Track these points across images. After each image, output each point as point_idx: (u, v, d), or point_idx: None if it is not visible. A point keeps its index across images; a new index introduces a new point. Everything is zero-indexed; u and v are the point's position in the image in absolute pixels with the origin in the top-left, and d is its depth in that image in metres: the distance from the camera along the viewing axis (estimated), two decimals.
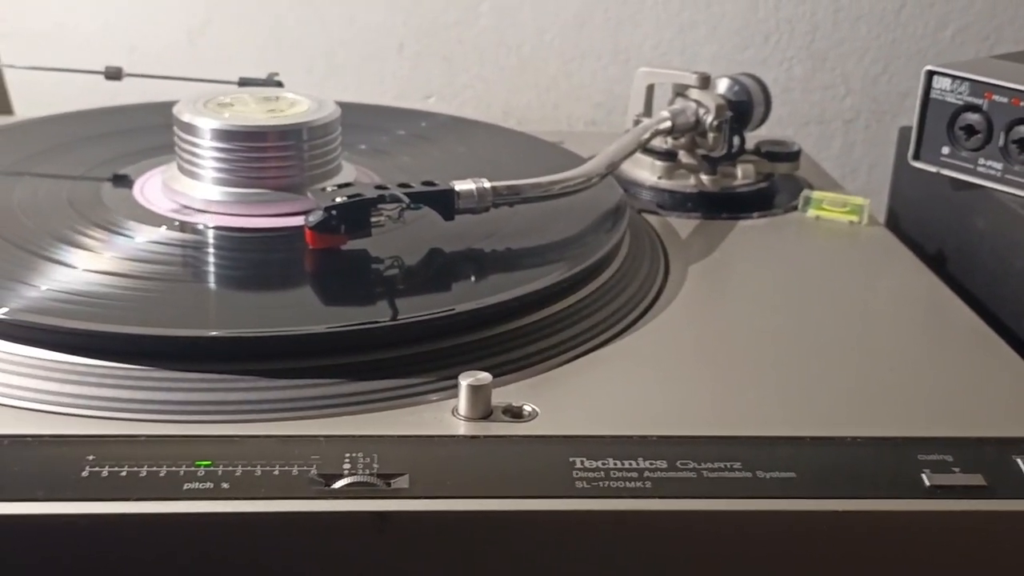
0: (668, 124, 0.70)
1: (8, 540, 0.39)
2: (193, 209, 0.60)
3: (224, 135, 0.59)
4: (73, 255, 0.54)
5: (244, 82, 0.74)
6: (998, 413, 0.48)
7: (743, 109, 0.73)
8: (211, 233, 0.58)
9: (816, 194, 0.70)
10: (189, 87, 0.69)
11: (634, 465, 0.43)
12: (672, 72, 0.73)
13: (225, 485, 0.41)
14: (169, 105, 0.62)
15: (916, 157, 0.68)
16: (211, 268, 0.56)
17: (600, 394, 0.48)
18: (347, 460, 0.42)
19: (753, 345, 0.54)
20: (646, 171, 0.72)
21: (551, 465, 0.43)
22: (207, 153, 0.59)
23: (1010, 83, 0.63)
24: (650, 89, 0.74)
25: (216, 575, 0.40)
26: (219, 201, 0.59)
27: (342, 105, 0.63)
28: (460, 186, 0.56)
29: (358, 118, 0.71)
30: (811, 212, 0.70)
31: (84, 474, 0.41)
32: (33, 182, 0.64)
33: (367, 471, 0.42)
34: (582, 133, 0.95)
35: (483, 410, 0.46)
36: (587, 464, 0.43)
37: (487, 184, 0.57)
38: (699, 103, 0.71)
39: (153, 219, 0.59)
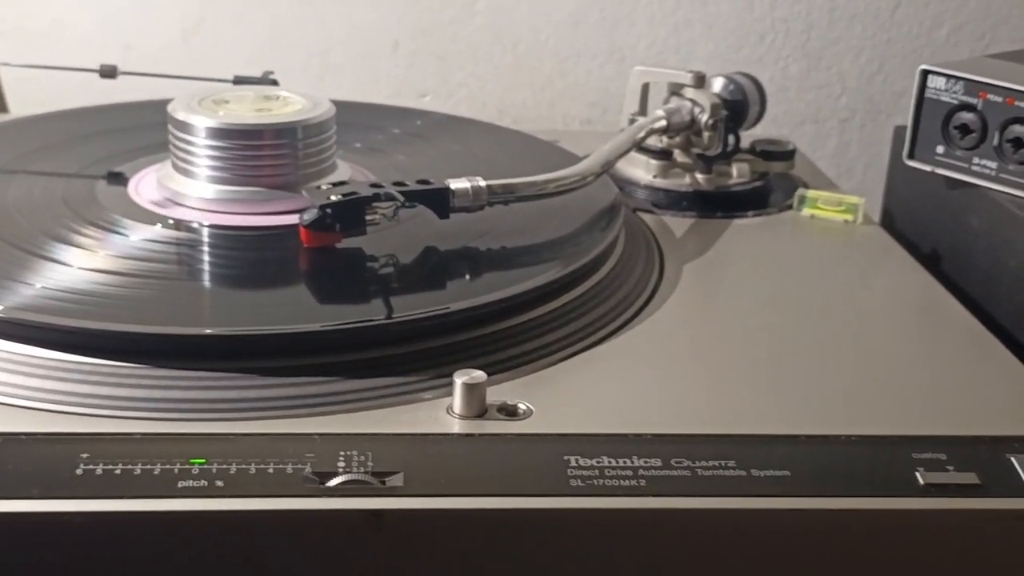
0: (663, 123, 0.70)
1: (2, 538, 0.39)
2: (188, 207, 0.60)
3: (219, 133, 0.59)
4: (68, 253, 0.54)
5: (239, 80, 0.74)
6: (992, 411, 0.48)
7: (738, 108, 0.73)
8: (206, 231, 0.58)
9: (811, 193, 0.70)
10: (184, 85, 0.69)
11: (629, 463, 0.43)
12: (667, 71, 0.73)
13: (219, 483, 0.41)
14: (164, 103, 0.61)
15: (911, 156, 0.68)
16: (206, 266, 0.56)
17: (595, 392, 0.49)
18: (341, 458, 0.42)
19: (748, 344, 0.54)
20: (641, 170, 0.72)
21: (546, 463, 0.43)
22: (202, 151, 0.59)
23: (1005, 82, 0.63)
24: (645, 88, 0.74)
25: (210, 573, 0.40)
26: (214, 199, 0.59)
27: (337, 103, 0.63)
28: (455, 184, 0.56)
29: (353, 116, 0.71)
30: (806, 211, 0.70)
31: (78, 472, 0.41)
32: (28, 180, 0.64)
33: (361, 469, 0.42)
34: (577, 132, 0.95)
35: (478, 408, 0.46)
36: (582, 462, 0.43)
37: (482, 183, 0.57)
38: (694, 102, 0.71)
39: (148, 217, 0.59)
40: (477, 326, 0.51)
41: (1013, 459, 0.44)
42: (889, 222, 0.77)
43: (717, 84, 0.73)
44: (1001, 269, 0.63)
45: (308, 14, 0.95)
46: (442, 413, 0.46)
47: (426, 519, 0.41)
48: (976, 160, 0.65)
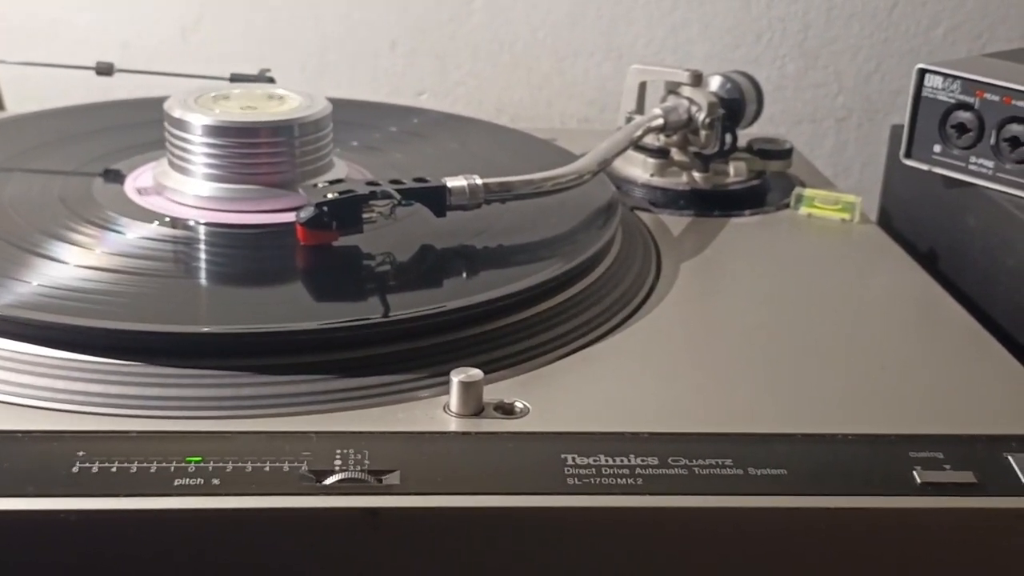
0: (660, 121, 0.70)
1: None
2: (184, 205, 0.59)
3: (215, 131, 0.59)
4: (64, 251, 0.54)
5: (236, 78, 0.74)
6: (989, 411, 0.48)
7: (735, 107, 0.73)
8: (202, 229, 0.58)
9: (808, 192, 0.70)
10: (181, 83, 0.69)
11: (625, 462, 0.43)
12: (664, 69, 0.73)
13: (216, 481, 0.41)
14: (161, 101, 0.61)
15: (908, 155, 0.68)
16: (202, 264, 0.56)
17: (592, 391, 0.48)
18: (338, 456, 0.42)
19: (745, 342, 0.54)
20: (638, 168, 0.72)
21: (542, 462, 0.43)
22: (198, 149, 0.59)
23: (1002, 81, 0.63)
24: (642, 87, 0.74)
25: (207, 572, 0.40)
26: (210, 197, 0.59)
27: (334, 101, 0.63)
28: (452, 183, 0.56)
29: (350, 115, 0.71)
30: (803, 210, 0.70)
31: (74, 470, 0.41)
32: (25, 178, 0.64)
33: (358, 467, 0.42)
34: (574, 130, 0.95)
35: (474, 407, 0.46)
36: (578, 461, 0.43)
37: (479, 181, 0.57)
38: (691, 100, 0.71)
39: (144, 215, 0.59)
40: (474, 324, 0.51)
41: (1010, 458, 0.44)
42: (886, 221, 0.77)
43: (714, 83, 0.73)
44: (998, 268, 0.63)
45: (306, 12, 0.95)
46: (439, 411, 0.46)
47: (423, 517, 0.40)
48: (973, 159, 0.65)
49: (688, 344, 0.54)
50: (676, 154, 0.72)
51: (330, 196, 0.54)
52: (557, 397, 0.48)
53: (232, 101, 0.62)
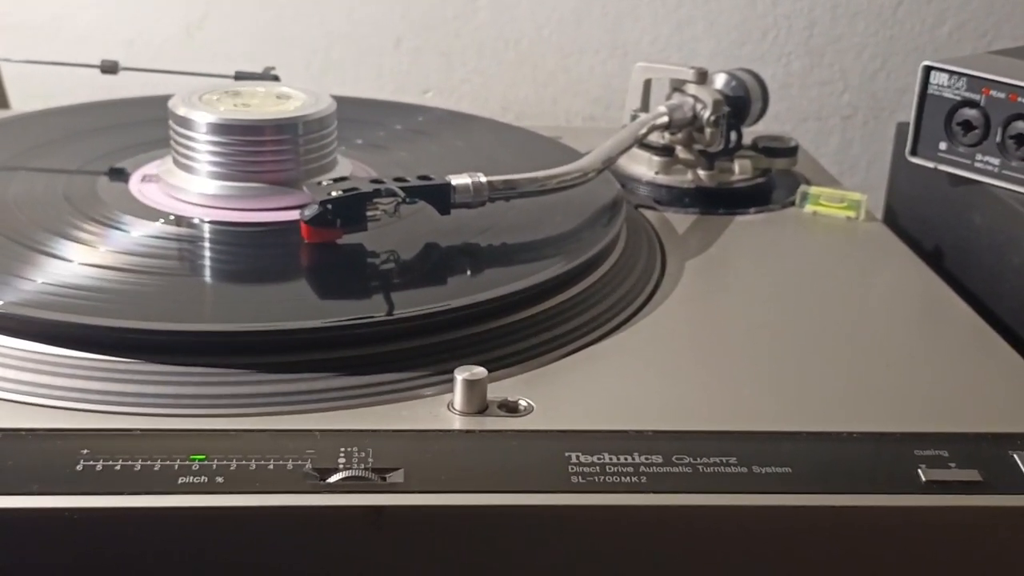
0: (665, 119, 0.70)
1: (2, 534, 0.39)
2: (189, 203, 0.59)
3: (219, 129, 0.59)
4: (69, 249, 0.54)
5: (240, 76, 0.74)
6: (994, 409, 0.48)
7: (740, 104, 0.72)
8: (206, 227, 0.58)
9: (813, 189, 0.70)
10: (186, 81, 0.69)
11: (630, 460, 0.43)
12: (669, 67, 0.73)
13: (219, 479, 0.41)
14: (165, 99, 0.61)
15: (913, 153, 0.68)
16: (206, 262, 0.56)
17: (596, 389, 0.48)
18: (342, 454, 0.42)
19: (750, 340, 0.54)
20: (643, 166, 0.72)
21: (546, 460, 0.43)
22: (203, 147, 0.59)
23: (1008, 79, 0.63)
24: (647, 84, 0.74)
25: (210, 570, 0.40)
26: (214, 195, 0.59)
27: (339, 99, 0.63)
28: (456, 180, 0.56)
29: (355, 112, 0.71)
30: (808, 208, 0.70)
31: (78, 468, 0.41)
32: (29, 176, 0.64)
33: (362, 466, 0.42)
34: (579, 128, 0.95)
35: (478, 405, 0.46)
36: (582, 459, 0.43)
37: (483, 179, 0.57)
38: (696, 98, 0.71)
39: (149, 213, 0.59)
40: (478, 322, 0.51)
41: (1016, 456, 0.44)
42: (892, 219, 0.77)
43: (719, 80, 0.73)
44: (1004, 266, 0.63)
45: (310, 9, 0.95)
46: (443, 409, 0.46)
47: (426, 516, 0.40)
48: (979, 157, 0.65)
49: (693, 342, 0.54)
50: (681, 152, 0.72)
51: (334, 194, 0.54)
52: (561, 395, 0.47)
53: (237, 99, 0.62)
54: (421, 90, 0.97)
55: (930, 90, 0.66)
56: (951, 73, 0.65)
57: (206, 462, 0.41)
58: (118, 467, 0.41)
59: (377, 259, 0.55)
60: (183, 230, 0.58)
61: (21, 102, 0.90)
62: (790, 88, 0.99)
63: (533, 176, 0.59)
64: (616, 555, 0.41)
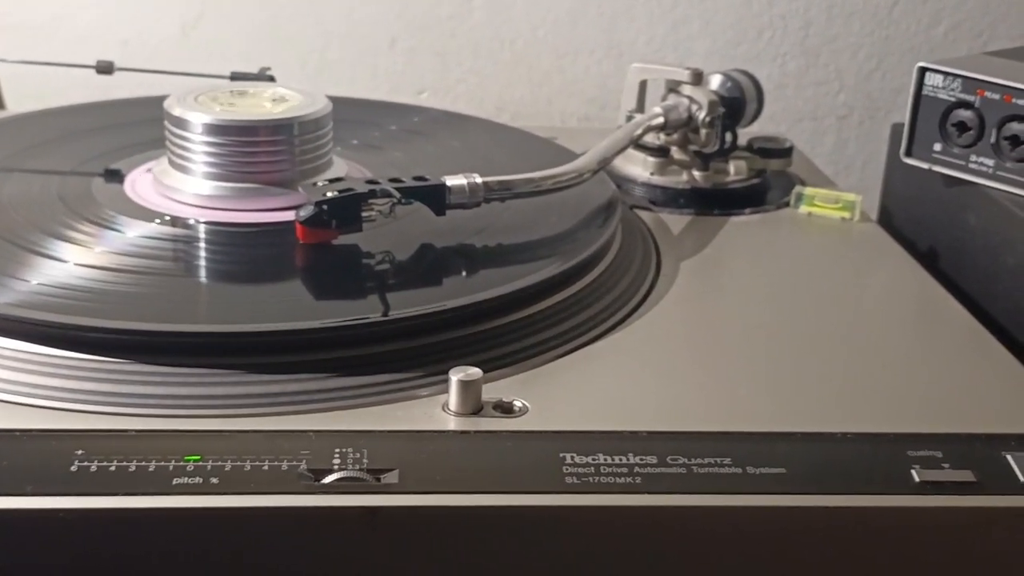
0: (660, 120, 0.70)
1: None
2: (184, 203, 0.59)
3: (215, 129, 0.59)
4: (64, 249, 0.54)
5: (236, 76, 0.74)
6: (988, 410, 0.48)
7: (736, 105, 0.73)
8: (202, 228, 0.58)
9: (808, 190, 0.70)
10: (181, 81, 0.69)
11: (624, 461, 0.43)
12: (665, 68, 0.73)
13: (214, 480, 0.41)
14: (161, 99, 0.61)
15: (908, 154, 0.68)
16: (202, 263, 0.56)
17: (591, 390, 0.48)
18: (337, 455, 0.42)
19: (744, 341, 0.54)
20: (638, 167, 0.72)
21: (541, 460, 0.43)
22: (198, 148, 0.59)
23: (1002, 80, 0.63)
24: (643, 85, 0.74)
25: (205, 571, 0.40)
26: (210, 196, 0.59)
27: (334, 100, 0.63)
28: (451, 181, 0.56)
29: (350, 113, 0.71)
30: (803, 208, 0.70)
31: (73, 469, 0.41)
32: (25, 176, 0.64)
33: (357, 466, 0.42)
34: (575, 129, 0.95)
35: (473, 405, 0.46)
36: (577, 460, 0.43)
37: (478, 179, 0.57)
38: (692, 99, 0.71)
39: (144, 214, 0.59)
40: (473, 323, 0.51)
41: (1009, 457, 0.44)
42: (887, 219, 0.77)
43: (715, 81, 0.73)
44: (998, 267, 0.63)
45: (306, 9, 0.95)
46: (438, 410, 0.46)
47: (421, 516, 0.40)
48: (973, 158, 0.65)
49: (687, 343, 0.54)
50: (676, 153, 0.72)
51: (330, 195, 0.54)
52: (556, 396, 0.48)
53: (232, 99, 0.62)
54: (416, 90, 0.98)
55: (925, 91, 0.66)
56: (946, 74, 0.65)
57: (201, 463, 0.41)
58: (113, 468, 0.41)
59: (372, 260, 0.55)
60: (178, 231, 0.58)
61: (16, 102, 0.90)
62: (785, 88, 1.00)
63: (528, 177, 0.59)
64: (611, 556, 0.41)
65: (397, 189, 0.55)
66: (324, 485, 0.41)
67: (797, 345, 0.53)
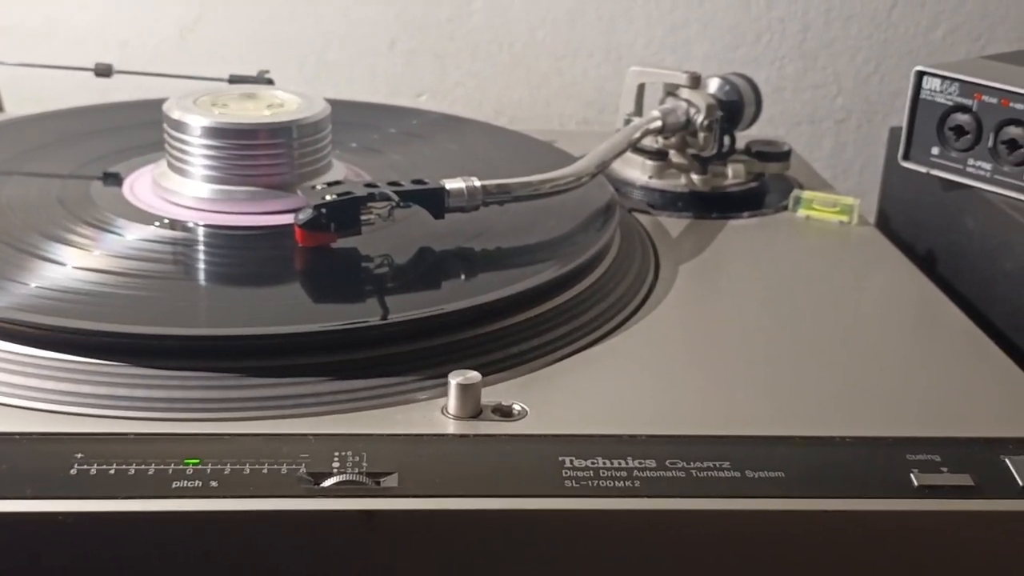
0: (659, 123, 0.70)
1: None
2: (183, 207, 0.59)
3: (214, 133, 0.59)
4: (63, 252, 0.54)
5: (234, 79, 0.74)
6: (987, 413, 0.48)
7: (734, 109, 0.73)
8: (201, 231, 0.58)
9: (806, 194, 0.70)
10: (180, 84, 0.69)
11: (623, 464, 0.43)
12: (663, 71, 0.73)
13: (214, 483, 0.41)
14: (160, 102, 0.61)
15: (906, 157, 0.68)
16: (201, 266, 0.56)
17: (590, 393, 0.49)
18: (336, 459, 0.42)
19: (743, 345, 0.54)
20: (637, 170, 0.72)
21: (540, 464, 0.43)
22: (197, 151, 0.59)
23: (1000, 84, 0.63)
24: (641, 88, 0.74)
25: (204, 574, 0.40)
26: (209, 199, 0.59)
27: (333, 103, 0.63)
28: (450, 185, 0.56)
29: (349, 116, 0.71)
30: (801, 212, 0.70)
31: (72, 472, 0.41)
32: (23, 180, 0.63)
33: (356, 470, 0.42)
34: (573, 132, 0.95)
35: (472, 409, 0.46)
36: (576, 463, 0.43)
37: (477, 183, 0.57)
38: (690, 103, 0.71)
39: (143, 217, 0.59)
40: (472, 326, 0.51)
41: (1007, 461, 0.44)
42: (884, 223, 0.77)
43: (713, 85, 0.73)
44: (996, 271, 0.63)
45: (304, 12, 0.95)
46: (437, 414, 0.46)
47: (420, 520, 0.41)
48: (971, 162, 0.65)
49: (686, 346, 0.54)
50: (674, 156, 0.72)
51: (328, 198, 0.54)
52: (555, 399, 0.48)
53: (231, 102, 0.62)
54: (415, 93, 0.98)
55: (922, 95, 0.66)
56: (943, 78, 0.65)
57: (200, 466, 0.41)
58: (112, 471, 0.41)
59: (371, 263, 0.55)
60: (177, 234, 0.58)
61: (15, 105, 0.90)
62: (783, 92, 1.00)
63: (527, 180, 0.59)
64: (609, 559, 0.41)
65: (396, 192, 0.55)
66: (323, 488, 0.41)
67: (796, 349, 0.53)
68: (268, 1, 0.94)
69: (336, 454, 0.43)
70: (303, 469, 0.42)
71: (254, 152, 0.59)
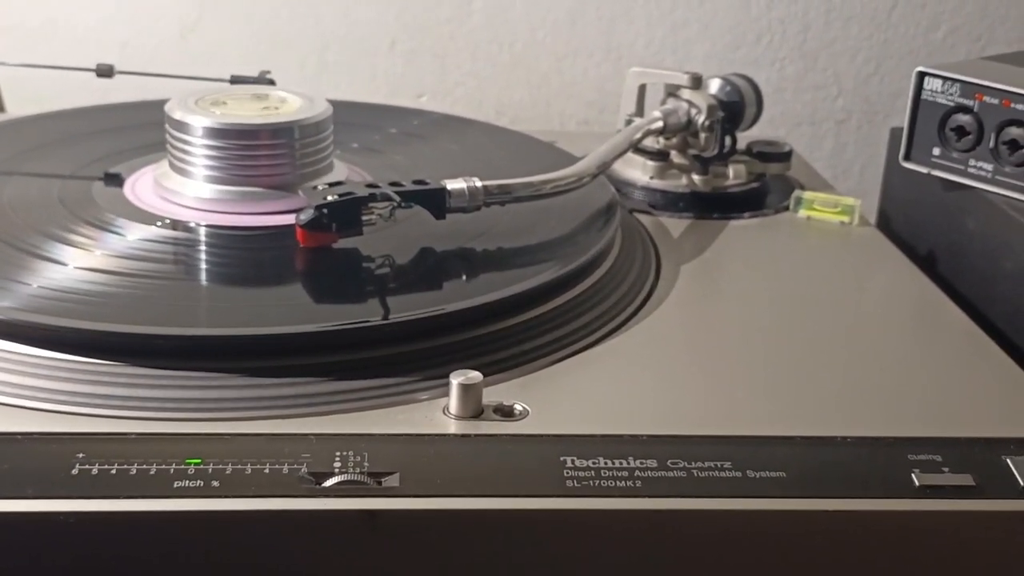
0: (660, 124, 0.70)
1: None
2: (184, 207, 0.59)
3: (216, 133, 0.59)
4: (64, 253, 0.54)
5: (236, 80, 0.74)
6: (988, 413, 0.48)
7: (735, 109, 0.73)
8: (202, 231, 0.58)
9: (807, 194, 0.70)
10: (181, 84, 0.69)
11: (625, 464, 0.43)
12: (664, 72, 0.73)
13: (215, 483, 0.41)
14: (161, 103, 0.61)
15: (907, 158, 0.68)
16: (202, 266, 0.56)
17: (591, 393, 0.49)
18: (338, 458, 0.42)
19: (744, 345, 0.54)
20: (638, 171, 0.72)
21: (542, 464, 0.43)
22: (199, 151, 0.59)
23: (1001, 84, 0.63)
24: (642, 89, 0.74)
25: (206, 573, 0.40)
26: (210, 199, 0.59)
27: (334, 103, 0.63)
28: (451, 185, 0.56)
29: (350, 116, 0.71)
30: (802, 212, 0.70)
31: (74, 472, 0.41)
32: (24, 180, 0.64)
33: (357, 470, 0.42)
34: (574, 132, 0.95)
35: (474, 409, 0.46)
36: (578, 463, 0.43)
37: (478, 183, 0.57)
38: (691, 103, 0.71)
39: (144, 217, 0.59)
40: (473, 327, 0.51)
41: (1008, 461, 0.44)
42: (885, 224, 0.77)
43: (714, 85, 0.73)
44: (997, 271, 0.63)
45: (305, 12, 0.95)
46: (438, 414, 0.46)
47: (422, 520, 0.41)
48: (972, 162, 0.65)
49: (687, 346, 0.54)
50: (676, 157, 0.72)
51: (330, 198, 0.54)
52: (556, 399, 0.48)
53: (232, 103, 0.62)
54: (415, 93, 0.98)
55: (923, 96, 0.66)
56: (944, 79, 0.65)
57: (202, 466, 0.41)
58: (114, 471, 0.41)
59: (373, 263, 0.55)
60: (179, 234, 0.58)
61: (16, 106, 0.90)
62: (784, 92, 1.00)
63: (528, 181, 0.59)
64: (611, 559, 0.42)
65: (397, 193, 0.55)
66: (325, 488, 0.41)
67: (797, 349, 0.53)
68: (269, 2, 0.94)
69: (337, 454, 0.43)
70: (304, 469, 0.42)
71: (256, 152, 0.59)
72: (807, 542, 0.42)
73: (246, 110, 0.62)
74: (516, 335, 0.51)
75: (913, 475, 0.43)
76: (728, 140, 0.71)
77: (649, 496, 0.41)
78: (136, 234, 0.57)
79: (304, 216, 0.54)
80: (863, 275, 0.63)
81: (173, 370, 0.46)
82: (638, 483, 0.42)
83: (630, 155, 0.70)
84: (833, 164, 1.02)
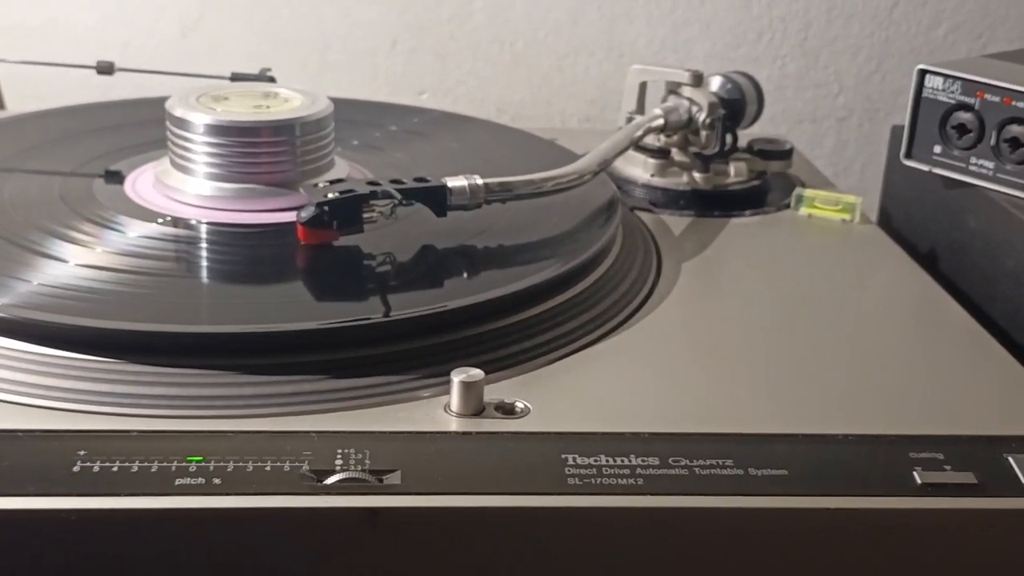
0: (661, 122, 0.70)
1: None
2: (185, 204, 0.59)
3: (217, 130, 0.59)
4: (65, 250, 0.54)
5: (237, 77, 0.74)
6: (989, 411, 0.48)
7: (736, 107, 0.73)
8: (203, 228, 0.58)
9: (808, 192, 0.70)
10: (182, 82, 0.69)
11: (626, 462, 0.43)
12: (665, 70, 0.73)
13: (216, 481, 0.41)
14: (161, 100, 0.61)
15: (908, 156, 0.68)
16: (203, 263, 0.56)
17: (592, 391, 0.49)
18: (339, 456, 0.42)
19: (745, 343, 0.54)
20: (639, 168, 0.72)
21: (543, 462, 0.43)
22: (199, 148, 0.59)
23: (1002, 82, 0.63)
24: (643, 86, 0.74)
25: (207, 571, 0.40)
26: (211, 196, 0.59)
27: (335, 100, 0.63)
28: (452, 183, 0.56)
29: (351, 114, 0.71)
30: (803, 210, 0.70)
31: (75, 469, 0.41)
32: (25, 177, 0.64)
33: (359, 467, 0.42)
34: (575, 130, 0.95)
35: (475, 407, 0.46)
36: (579, 461, 0.43)
37: (479, 181, 0.57)
38: (692, 101, 0.71)
39: (145, 214, 0.59)
40: (474, 324, 0.51)
41: (1010, 459, 0.44)
42: (886, 221, 0.77)
43: (715, 83, 0.73)
44: (998, 269, 0.63)
45: (306, 11, 0.95)
46: (440, 411, 0.46)
47: (423, 517, 0.41)
48: (973, 160, 0.65)
49: (689, 344, 0.54)
50: (677, 154, 0.72)
51: (331, 196, 0.54)
52: (558, 397, 0.48)
53: (233, 100, 0.62)
54: (416, 91, 0.98)
55: (925, 93, 0.66)
56: (946, 77, 0.65)
57: (203, 463, 0.41)
58: (115, 468, 0.41)
59: (373, 261, 0.55)
60: (180, 231, 0.58)
61: (17, 103, 0.90)
62: (785, 90, 1.00)
63: (529, 178, 0.59)
64: (612, 557, 0.41)
65: (398, 190, 0.55)
66: (326, 486, 0.41)
67: (798, 347, 0.53)
68: (270, 1, 0.94)
69: (339, 451, 0.43)
70: (306, 466, 0.42)
71: (257, 149, 0.59)
72: (809, 540, 0.42)
73: (247, 107, 0.61)
74: (517, 333, 0.51)
75: (915, 473, 0.43)
76: (729, 138, 0.71)
77: (651, 494, 0.41)
78: (137, 231, 0.57)
79: (305, 213, 0.54)
80: (864, 273, 0.63)
81: (174, 367, 0.46)
82: (640, 481, 0.42)
83: (631, 153, 0.70)
84: (834, 162, 1.02)
